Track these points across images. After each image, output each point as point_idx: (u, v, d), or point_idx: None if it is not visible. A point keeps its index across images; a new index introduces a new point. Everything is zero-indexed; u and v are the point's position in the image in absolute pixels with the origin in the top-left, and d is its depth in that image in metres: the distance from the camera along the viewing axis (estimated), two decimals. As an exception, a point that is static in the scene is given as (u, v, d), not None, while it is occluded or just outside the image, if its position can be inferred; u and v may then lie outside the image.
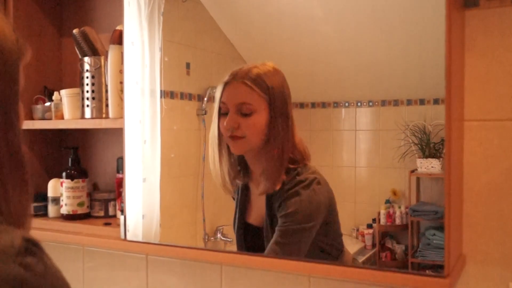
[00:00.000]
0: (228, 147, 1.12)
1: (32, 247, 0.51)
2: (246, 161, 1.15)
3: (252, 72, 1.05)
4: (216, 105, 1.11)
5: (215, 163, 1.13)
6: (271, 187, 1.06)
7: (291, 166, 1.06)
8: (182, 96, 1.47)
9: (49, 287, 0.50)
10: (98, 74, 1.40)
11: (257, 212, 1.16)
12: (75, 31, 1.42)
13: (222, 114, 1.09)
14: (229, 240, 1.44)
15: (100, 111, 1.39)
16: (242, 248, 1.20)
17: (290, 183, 1.04)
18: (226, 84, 1.08)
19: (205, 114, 1.47)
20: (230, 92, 1.08)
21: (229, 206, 1.49)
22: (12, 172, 0.60)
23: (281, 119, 1.05)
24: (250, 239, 1.17)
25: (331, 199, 1.10)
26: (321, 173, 1.10)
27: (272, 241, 1.06)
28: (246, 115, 1.06)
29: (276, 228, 1.06)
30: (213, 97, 1.47)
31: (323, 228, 1.09)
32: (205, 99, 1.47)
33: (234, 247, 1.41)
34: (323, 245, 1.11)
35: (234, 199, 1.26)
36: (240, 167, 1.15)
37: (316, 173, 1.07)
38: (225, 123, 1.07)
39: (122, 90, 1.32)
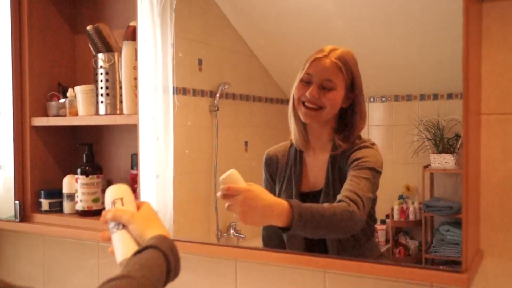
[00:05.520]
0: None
1: None
2: (307, 131, 1.24)
3: (340, 53, 1.18)
4: (299, 75, 1.20)
5: (291, 123, 1.24)
6: (344, 148, 1.17)
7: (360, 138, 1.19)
8: (195, 92, 1.47)
9: None
10: (112, 71, 1.40)
11: (314, 179, 1.22)
12: (88, 27, 1.43)
13: (303, 82, 1.20)
14: (242, 236, 1.44)
15: (114, 107, 1.40)
16: None
17: (353, 145, 1.17)
18: (316, 59, 1.19)
19: (218, 110, 1.47)
20: (318, 67, 1.18)
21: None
22: None
23: (358, 98, 1.18)
24: None
25: None
26: None
27: (347, 180, 1.13)
28: (327, 90, 1.17)
29: (351, 169, 1.14)
30: (226, 94, 1.48)
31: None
32: (218, 95, 1.47)
33: (247, 243, 1.41)
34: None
35: (267, 172, 1.29)
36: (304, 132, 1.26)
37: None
38: (307, 93, 1.18)
39: (136, 86, 1.32)
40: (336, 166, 1.18)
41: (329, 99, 1.18)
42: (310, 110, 1.19)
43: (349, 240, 1.15)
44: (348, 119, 1.19)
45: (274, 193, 1.24)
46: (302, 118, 1.21)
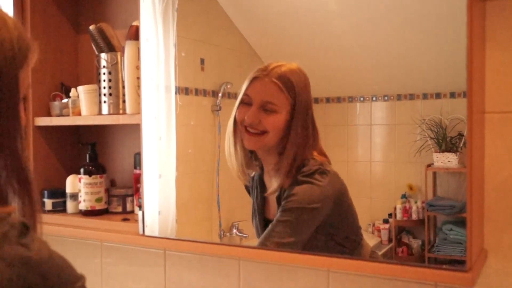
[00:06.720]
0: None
1: (26, 230, 0.56)
2: (257, 155, 1.17)
3: (281, 72, 1.07)
4: (239, 95, 1.12)
5: (230, 150, 1.15)
6: (279, 186, 1.09)
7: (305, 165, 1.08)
8: (197, 92, 1.47)
9: (47, 261, 0.55)
10: (114, 70, 1.40)
11: (273, 207, 1.17)
12: (91, 27, 1.43)
13: (243, 103, 1.11)
14: (245, 235, 1.44)
15: (117, 107, 1.40)
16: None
17: (294, 176, 1.07)
18: (255, 78, 1.09)
19: (220, 110, 1.47)
20: (257, 87, 1.09)
21: (245, 202, 1.49)
22: (16, 181, 0.60)
23: (301, 121, 1.07)
24: None
25: (340, 190, 1.10)
26: (330, 167, 1.11)
27: (272, 221, 1.08)
28: (268, 113, 1.08)
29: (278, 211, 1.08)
30: (228, 93, 1.48)
31: (335, 221, 1.10)
32: (220, 95, 1.47)
33: (250, 243, 1.41)
34: (337, 238, 1.12)
35: (248, 192, 1.26)
36: (253, 157, 1.18)
37: (322, 165, 1.08)
38: (246, 117, 1.09)
39: (139, 86, 1.33)
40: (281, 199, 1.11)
41: (270, 123, 1.07)
42: (253, 136, 1.09)
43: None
44: (284, 146, 1.07)
45: None
46: (245, 143, 1.12)
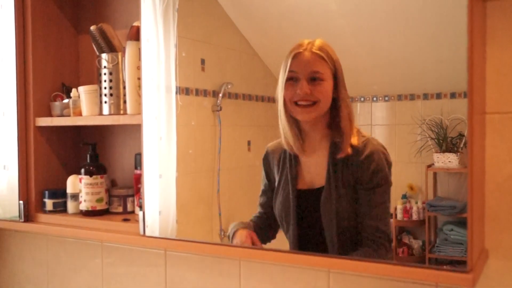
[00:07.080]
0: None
1: None
2: (301, 131, 1.22)
3: (319, 44, 1.16)
4: (283, 74, 1.18)
5: (285, 128, 1.21)
6: (347, 147, 1.15)
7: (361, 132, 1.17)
8: (197, 92, 1.47)
9: None
10: (115, 71, 1.40)
11: (311, 176, 1.21)
12: (92, 27, 1.43)
13: (289, 81, 1.17)
14: (245, 235, 1.44)
15: (118, 107, 1.40)
16: (291, 214, 1.23)
17: (360, 143, 1.14)
18: (296, 54, 1.16)
19: (220, 110, 1.47)
20: (302, 61, 1.16)
21: (245, 202, 1.49)
22: None
23: (343, 88, 1.16)
24: (303, 203, 1.22)
25: None
26: None
27: (369, 204, 1.13)
28: (317, 83, 1.15)
29: (368, 188, 1.13)
30: (228, 93, 1.48)
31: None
32: (220, 95, 1.47)
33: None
34: None
35: (267, 169, 1.29)
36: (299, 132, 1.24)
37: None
38: (298, 90, 1.15)
39: (139, 86, 1.33)
40: (338, 165, 1.16)
41: (321, 92, 1.15)
42: (305, 108, 1.17)
43: (351, 238, 1.15)
44: (337, 112, 1.17)
45: (268, 189, 1.27)
46: (299, 117, 1.18)
